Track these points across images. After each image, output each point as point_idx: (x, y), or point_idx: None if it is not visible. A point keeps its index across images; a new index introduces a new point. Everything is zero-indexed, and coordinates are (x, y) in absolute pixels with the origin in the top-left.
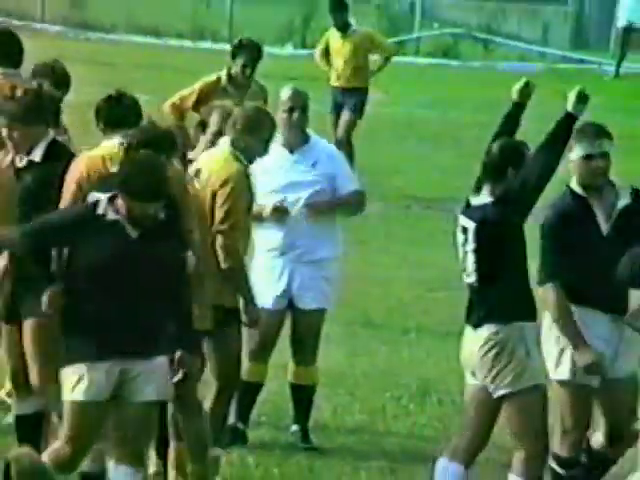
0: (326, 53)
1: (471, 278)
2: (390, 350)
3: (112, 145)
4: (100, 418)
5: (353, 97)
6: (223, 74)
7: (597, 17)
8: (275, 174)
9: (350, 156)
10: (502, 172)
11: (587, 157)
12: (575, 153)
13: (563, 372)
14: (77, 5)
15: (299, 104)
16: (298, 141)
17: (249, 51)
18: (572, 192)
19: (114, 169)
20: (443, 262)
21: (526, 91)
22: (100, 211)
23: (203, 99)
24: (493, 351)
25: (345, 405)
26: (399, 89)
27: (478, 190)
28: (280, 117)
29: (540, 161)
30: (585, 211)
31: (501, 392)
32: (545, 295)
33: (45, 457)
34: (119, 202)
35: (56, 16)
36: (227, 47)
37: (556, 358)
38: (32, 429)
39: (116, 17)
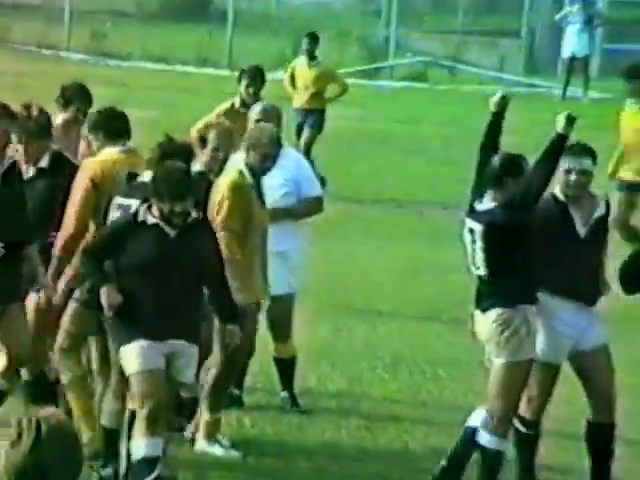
0: (292, 78)
1: (480, 271)
2: (367, 327)
3: (114, 152)
4: (161, 384)
5: (312, 116)
6: (236, 99)
7: (546, 48)
8: None
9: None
10: (502, 182)
11: (568, 171)
12: (560, 165)
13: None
14: (97, 37)
15: (268, 118)
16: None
17: (251, 74)
18: (554, 197)
19: (122, 172)
20: (414, 254)
21: (502, 102)
22: (140, 218)
23: None
24: (499, 328)
25: (328, 374)
26: (376, 107)
27: (480, 197)
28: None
29: (538, 173)
30: (563, 215)
31: (500, 360)
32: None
33: (137, 429)
34: (154, 208)
35: (79, 46)
36: (226, 72)
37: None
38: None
39: (131, 47)
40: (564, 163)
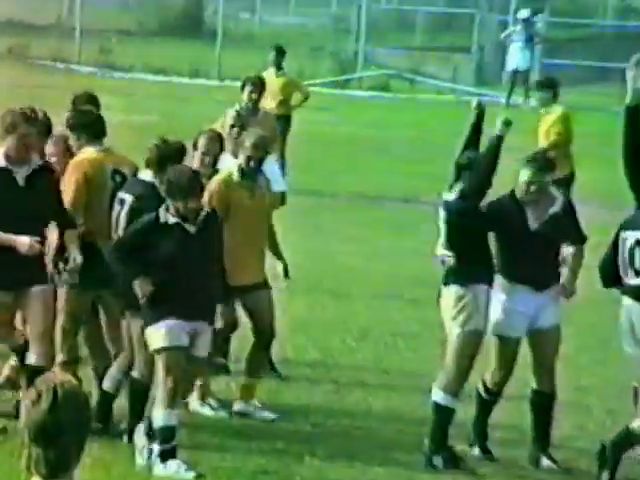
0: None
1: (442, 251)
2: (338, 305)
3: (94, 150)
4: (183, 360)
5: (279, 121)
6: (237, 105)
7: (493, 63)
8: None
9: (282, 165)
10: (460, 175)
11: (529, 183)
12: (520, 173)
13: (493, 327)
14: (104, 52)
15: (239, 123)
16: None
17: (254, 82)
18: (512, 195)
19: (108, 169)
20: (379, 241)
21: (480, 107)
22: (162, 220)
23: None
24: (453, 303)
25: (303, 344)
26: (347, 113)
27: (450, 189)
28: (227, 133)
29: (482, 167)
30: (519, 211)
31: (454, 330)
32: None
33: (159, 398)
34: (171, 208)
35: (89, 60)
36: (216, 83)
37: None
38: None
39: (133, 60)
40: (522, 173)
